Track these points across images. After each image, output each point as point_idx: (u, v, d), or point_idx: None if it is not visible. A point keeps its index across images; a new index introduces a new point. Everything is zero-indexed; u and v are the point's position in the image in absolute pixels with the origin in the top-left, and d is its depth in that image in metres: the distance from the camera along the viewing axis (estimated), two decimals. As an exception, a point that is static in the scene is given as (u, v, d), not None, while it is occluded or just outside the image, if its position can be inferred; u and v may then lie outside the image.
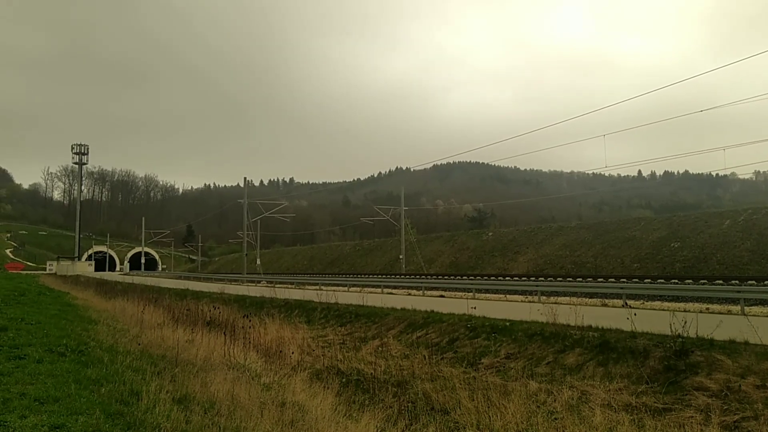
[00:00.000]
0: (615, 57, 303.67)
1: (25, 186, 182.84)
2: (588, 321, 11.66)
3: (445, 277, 38.96)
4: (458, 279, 35.46)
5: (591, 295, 21.18)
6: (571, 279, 30.76)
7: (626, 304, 17.95)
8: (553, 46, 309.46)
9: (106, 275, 68.07)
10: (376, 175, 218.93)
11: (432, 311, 15.93)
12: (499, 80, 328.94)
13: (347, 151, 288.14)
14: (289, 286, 36.82)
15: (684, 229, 36.61)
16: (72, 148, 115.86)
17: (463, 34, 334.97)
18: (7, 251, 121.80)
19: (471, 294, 23.89)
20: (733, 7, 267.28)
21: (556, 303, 16.86)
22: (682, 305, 16.94)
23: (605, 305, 18.23)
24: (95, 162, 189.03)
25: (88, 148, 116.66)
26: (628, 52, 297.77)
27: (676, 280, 25.71)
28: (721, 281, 23.51)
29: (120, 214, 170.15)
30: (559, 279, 31.74)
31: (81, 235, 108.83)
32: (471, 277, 36.11)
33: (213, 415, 5.97)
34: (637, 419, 7.09)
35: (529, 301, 20.05)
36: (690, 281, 24.51)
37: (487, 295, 24.59)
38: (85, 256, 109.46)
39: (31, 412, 5.11)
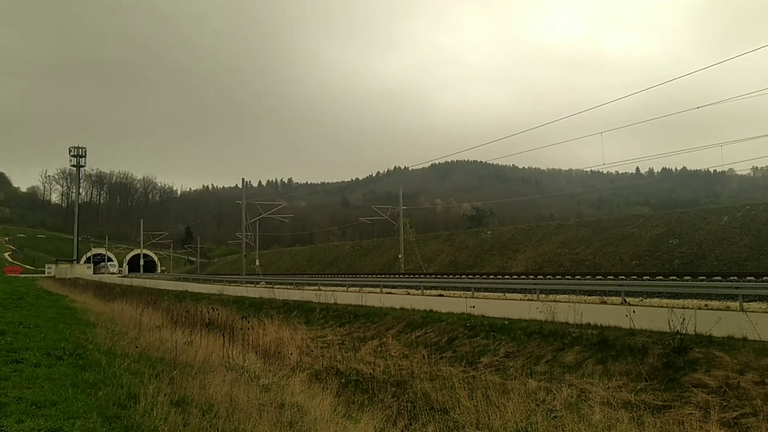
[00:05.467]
0: (609, 54, 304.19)
1: (23, 189, 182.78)
2: (587, 319, 11.65)
3: (444, 276, 38.94)
4: (457, 278, 35.44)
5: (590, 293, 21.18)
6: (569, 277, 30.76)
7: (625, 301, 17.94)
8: (547, 44, 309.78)
9: (105, 278, 68.03)
10: (374, 175, 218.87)
11: (431, 310, 15.91)
12: (495, 79, 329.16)
13: (345, 151, 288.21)
14: (288, 286, 36.77)
15: (682, 225, 36.65)
16: (69, 151, 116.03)
17: (458, 34, 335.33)
18: (6, 254, 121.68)
19: (470, 293, 23.85)
20: (728, 4, 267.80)
21: (554, 301, 16.87)
22: (680, 302, 16.94)
23: (604, 303, 18.22)
24: (93, 164, 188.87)
25: (85, 151, 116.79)
26: (623, 49, 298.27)
27: (675, 277, 25.72)
28: (719, 277, 23.53)
29: (118, 216, 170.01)
30: (557, 277, 31.74)
31: (79, 238, 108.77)
32: (470, 276, 36.10)
33: (211, 418, 5.96)
34: (636, 417, 7.09)
35: (528, 300, 20.04)
36: (688, 278, 24.52)
37: (486, 293, 24.56)
38: (84, 258, 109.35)
39: (28, 417, 5.09)
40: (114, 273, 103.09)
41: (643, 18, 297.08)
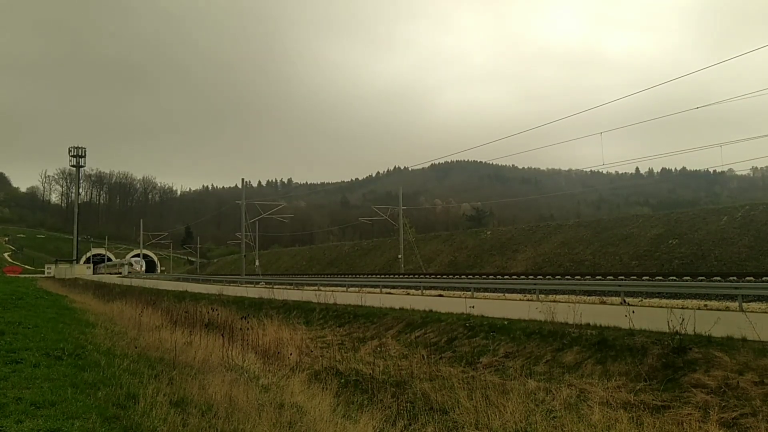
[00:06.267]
0: (609, 54, 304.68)
1: (23, 189, 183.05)
2: (586, 319, 11.66)
3: (444, 277, 38.94)
4: (457, 278, 35.44)
5: (589, 293, 21.18)
6: (569, 277, 30.76)
7: (624, 301, 17.95)
8: (547, 44, 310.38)
9: (105, 278, 68.04)
10: (374, 175, 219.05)
11: (430, 311, 15.92)
12: (494, 79, 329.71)
13: (345, 151, 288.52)
14: (288, 287, 36.78)
15: (682, 225, 36.65)
16: (69, 151, 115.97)
17: (458, 34, 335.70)
18: (6, 255, 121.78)
19: (469, 293, 23.86)
20: (728, 4, 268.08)
21: (554, 301, 16.88)
22: (680, 302, 16.94)
23: (603, 303, 18.23)
24: (93, 165, 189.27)
25: (85, 151, 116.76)
26: (623, 49, 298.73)
27: (674, 277, 25.72)
28: (718, 278, 23.52)
29: (118, 216, 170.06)
30: (557, 277, 31.74)
31: (79, 238, 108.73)
32: (469, 276, 36.08)
33: (210, 418, 5.96)
34: (635, 417, 7.09)
35: (528, 300, 20.05)
36: (688, 278, 24.51)
37: (486, 294, 24.56)
38: (84, 258, 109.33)
39: (27, 417, 5.10)
40: (141, 271, 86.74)
41: (643, 18, 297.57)
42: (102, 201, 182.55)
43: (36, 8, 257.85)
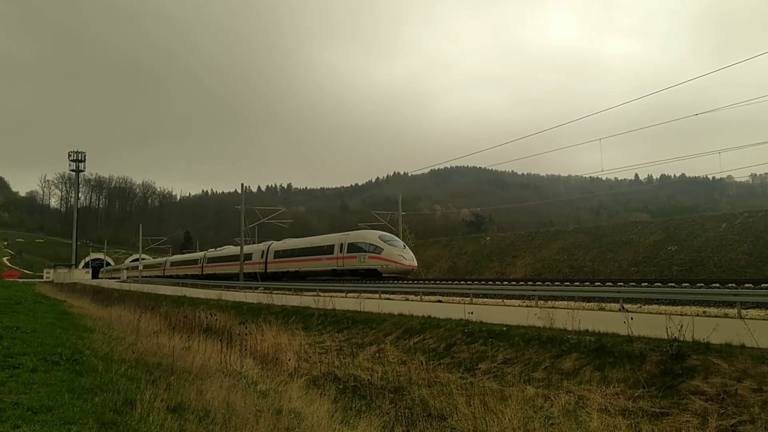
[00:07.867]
0: (608, 60, 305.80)
1: (22, 194, 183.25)
2: (585, 325, 11.64)
3: (443, 282, 38.84)
4: (456, 284, 35.33)
5: (588, 299, 21.11)
6: (568, 283, 30.68)
7: (623, 308, 17.91)
8: (545, 50, 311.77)
9: (104, 282, 67.96)
10: (373, 181, 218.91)
11: (429, 316, 15.89)
12: (492, 84, 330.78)
13: (344, 156, 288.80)
14: (287, 292, 36.68)
15: (681, 232, 36.68)
16: (69, 155, 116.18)
17: (456, 39, 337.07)
18: (4, 259, 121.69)
19: (468, 299, 23.80)
20: (726, 10, 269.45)
21: (553, 307, 16.84)
22: (678, 309, 16.90)
23: (602, 309, 18.20)
24: (92, 169, 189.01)
25: (84, 155, 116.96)
26: (621, 55, 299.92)
27: (673, 284, 25.65)
28: (717, 284, 23.48)
29: (117, 221, 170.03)
30: (556, 283, 31.65)
31: (78, 243, 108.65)
32: (468, 282, 36.02)
33: (208, 424, 5.96)
34: (634, 424, 7.09)
35: (527, 306, 19.99)
36: (687, 284, 24.44)
37: (485, 299, 24.48)
38: (83, 263, 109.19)
39: (23, 422, 5.09)
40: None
41: (642, 24, 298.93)
42: (101, 205, 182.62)
43: (36, 11, 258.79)
